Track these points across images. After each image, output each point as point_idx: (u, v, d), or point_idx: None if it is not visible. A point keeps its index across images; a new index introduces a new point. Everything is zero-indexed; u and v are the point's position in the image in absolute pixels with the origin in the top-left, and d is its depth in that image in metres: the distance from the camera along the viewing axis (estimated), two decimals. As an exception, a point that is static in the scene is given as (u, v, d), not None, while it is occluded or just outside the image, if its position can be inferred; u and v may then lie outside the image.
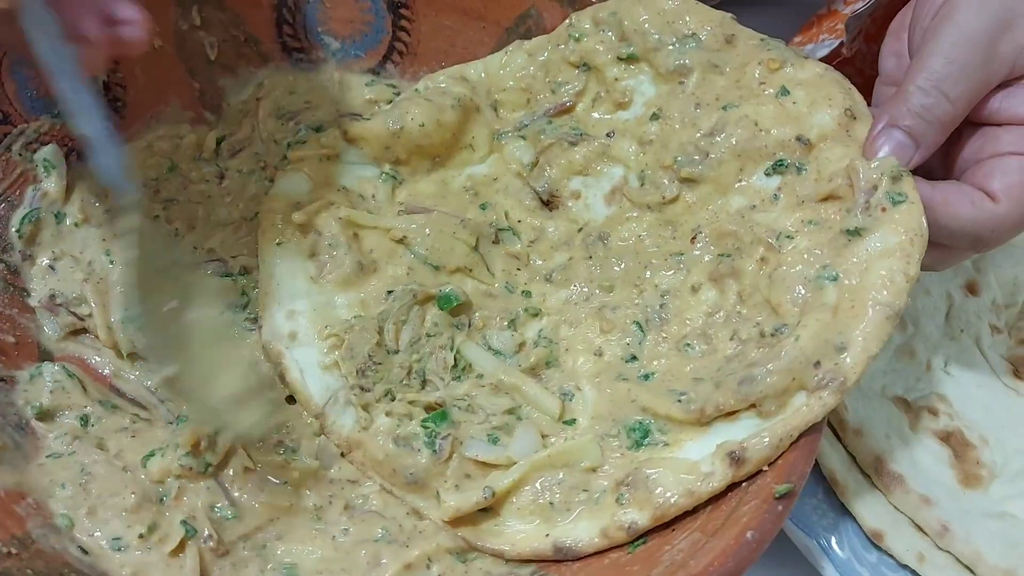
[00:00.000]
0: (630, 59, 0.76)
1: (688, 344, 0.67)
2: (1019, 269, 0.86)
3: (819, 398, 0.59)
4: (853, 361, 0.58)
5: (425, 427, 0.65)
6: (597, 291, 0.73)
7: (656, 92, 0.75)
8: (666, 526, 0.61)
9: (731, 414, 0.61)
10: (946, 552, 0.70)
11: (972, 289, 0.85)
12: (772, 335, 0.63)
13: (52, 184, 0.74)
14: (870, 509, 0.71)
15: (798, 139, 0.67)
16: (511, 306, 0.74)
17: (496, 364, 0.70)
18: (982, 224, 0.62)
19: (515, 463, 0.64)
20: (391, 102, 0.82)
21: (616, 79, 0.76)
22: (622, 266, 0.73)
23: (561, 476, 0.64)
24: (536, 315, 0.74)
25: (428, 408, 0.67)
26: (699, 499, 0.59)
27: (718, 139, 0.69)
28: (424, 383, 0.70)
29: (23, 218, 0.72)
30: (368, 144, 0.78)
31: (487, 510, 0.64)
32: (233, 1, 0.81)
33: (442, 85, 0.80)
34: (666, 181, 0.72)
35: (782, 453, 0.59)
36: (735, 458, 0.59)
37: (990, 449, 0.75)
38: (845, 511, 0.72)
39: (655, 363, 0.68)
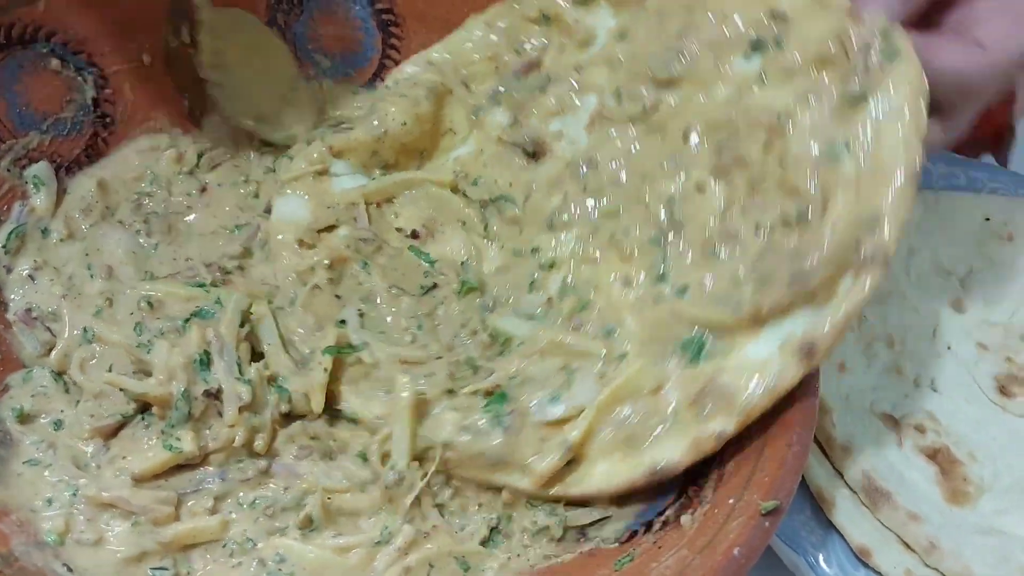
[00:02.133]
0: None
1: (713, 249, 0.65)
2: (1006, 287, 0.86)
3: (866, 276, 0.58)
4: (890, 232, 0.57)
5: (488, 411, 0.66)
6: (602, 221, 0.71)
7: (617, 22, 0.76)
8: (654, 544, 0.61)
9: (785, 309, 0.60)
10: (934, 569, 0.70)
11: (959, 307, 0.85)
12: (798, 220, 0.61)
13: (40, 200, 0.74)
14: (857, 526, 0.71)
15: (772, 15, 0.65)
16: (526, 270, 0.74)
17: (531, 327, 0.70)
18: (973, 73, 0.62)
19: (583, 411, 0.65)
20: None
21: (577, 21, 0.77)
22: (620, 187, 0.71)
23: (629, 408, 0.64)
24: (552, 267, 0.73)
25: (487, 393, 0.67)
26: (778, 395, 0.59)
27: (688, 37, 0.68)
28: (476, 369, 0.70)
29: (10, 233, 0.72)
30: (355, 154, 0.78)
31: (571, 463, 0.64)
32: (224, 16, 0.82)
33: (409, 73, 0.80)
34: (643, 90, 0.71)
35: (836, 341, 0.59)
36: (807, 350, 0.59)
37: (978, 466, 0.75)
38: (832, 528, 0.72)
39: (686, 276, 0.66)
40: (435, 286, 0.73)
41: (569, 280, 0.71)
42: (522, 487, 0.65)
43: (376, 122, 0.77)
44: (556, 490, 0.65)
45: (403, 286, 0.73)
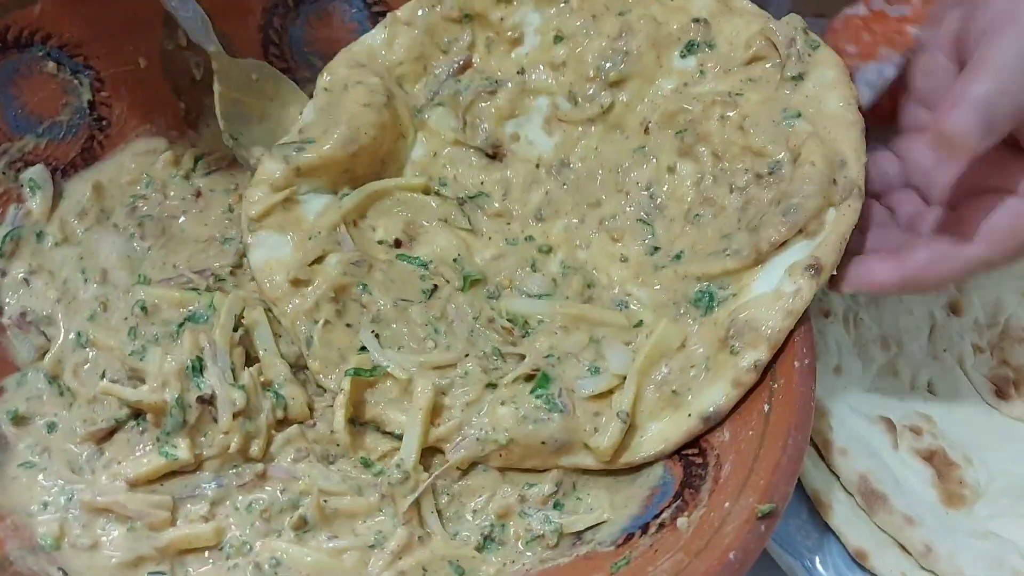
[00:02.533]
0: None
1: (696, 215, 0.71)
2: (1001, 289, 0.86)
3: (847, 207, 0.65)
4: (856, 170, 0.66)
5: (538, 396, 0.67)
6: (588, 210, 0.76)
7: (543, 18, 0.78)
8: (650, 547, 0.61)
9: (781, 245, 0.66)
10: (930, 572, 0.70)
11: (955, 309, 0.85)
12: (770, 173, 0.68)
13: (36, 204, 0.74)
14: (854, 529, 0.71)
15: (695, 21, 0.74)
16: (523, 255, 0.76)
17: (548, 304, 0.73)
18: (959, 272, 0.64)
19: (624, 377, 0.67)
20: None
21: (502, 19, 0.79)
22: (597, 181, 0.76)
23: (666, 367, 0.67)
24: (549, 251, 0.76)
25: (528, 378, 0.68)
26: (797, 315, 0.64)
27: (628, 37, 0.75)
28: (504, 357, 0.70)
29: (5, 237, 0.72)
30: (325, 172, 0.75)
31: (628, 430, 0.66)
32: (220, 22, 0.81)
33: (345, 75, 0.78)
34: (597, 91, 0.76)
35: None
36: (813, 268, 0.64)
37: (973, 468, 0.75)
38: (829, 531, 0.72)
39: (677, 243, 0.71)
40: (436, 287, 0.73)
41: (569, 262, 0.75)
42: (589, 464, 0.67)
43: (344, 135, 0.74)
44: (622, 461, 0.66)
45: (406, 296, 0.72)
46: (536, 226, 0.77)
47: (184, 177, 0.80)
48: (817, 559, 0.70)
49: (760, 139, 0.68)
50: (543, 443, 0.66)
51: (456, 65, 0.79)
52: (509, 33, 0.79)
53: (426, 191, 0.78)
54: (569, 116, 0.78)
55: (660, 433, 0.66)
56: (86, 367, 0.69)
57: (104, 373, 0.68)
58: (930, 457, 0.75)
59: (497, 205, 0.78)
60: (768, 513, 0.57)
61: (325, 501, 0.64)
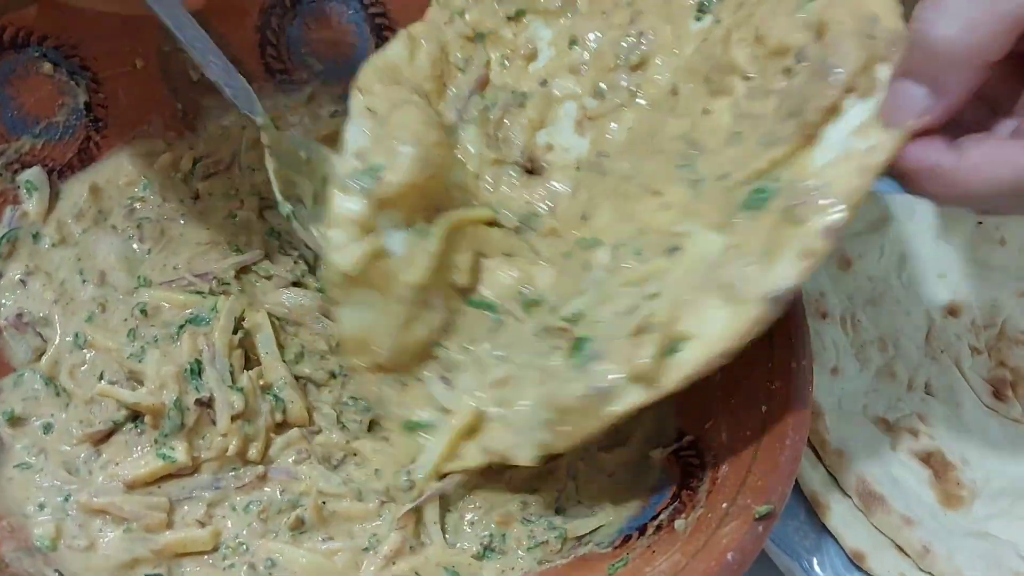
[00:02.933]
0: (518, 15, 0.78)
1: (737, 133, 0.62)
2: (998, 291, 0.86)
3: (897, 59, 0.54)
4: (893, 21, 0.54)
5: (575, 360, 0.61)
6: (625, 184, 0.69)
7: (554, 31, 0.78)
8: (648, 548, 0.61)
9: (832, 113, 0.55)
10: (928, 573, 0.70)
11: (952, 311, 0.85)
12: (799, 62, 0.58)
13: (33, 205, 0.74)
14: (851, 530, 0.71)
15: None
16: (577, 262, 0.69)
17: (595, 292, 0.65)
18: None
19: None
20: None
21: (515, 35, 0.78)
22: (634, 152, 0.71)
23: (709, 269, 0.57)
24: (597, 246, 0.68)
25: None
26: (875, 172, 0.52)
27: (641, 21, 0.73)
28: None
29: (1, 238, 0.72)
30: (404, 202, 0.65)
31: (678, 348, 0.56)
32: (217, 23, 0.81)
33: (382, 91, 0.71)
34: (621, 79, 0.74)
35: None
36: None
37: (971, 469, 0.75)
38: (826, 532, 0.72)
39: (720, 168, 0.62)
40: (501, 323, 0.70)
41: (615, 243, 0.67)
42: (644, 399, 0.57)
43: (417, 156, 0.65)
44: (681, 374, 0.56)
45: (475, 339, 0.69)
46: (583, 225, 0.72)
47: (182, 179, 0.80)
48: (815, 560, 0.70)
49: (779, 36, 0.59)
50: (583, 396, 0.58)
51: (475, 82, 0.79)
52: (523, 50, 0.78)
53: (490, 222, 0.73)
54: (598, 112, 0.75)
55: (717, 335, 0.55)
56: (83, 368, 0.69)
57: (102, 375, 0.68)
58: (928, 458, 0.75)
59: (548, 222, 0.74)
60: (766, 514, 0.57)
61: (323, 503, 0.64)
